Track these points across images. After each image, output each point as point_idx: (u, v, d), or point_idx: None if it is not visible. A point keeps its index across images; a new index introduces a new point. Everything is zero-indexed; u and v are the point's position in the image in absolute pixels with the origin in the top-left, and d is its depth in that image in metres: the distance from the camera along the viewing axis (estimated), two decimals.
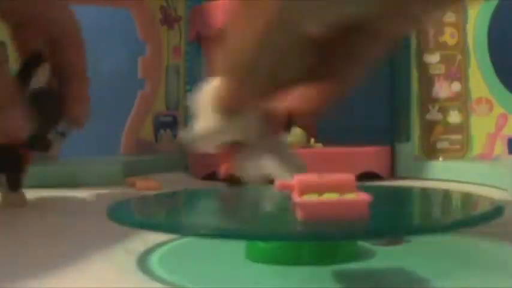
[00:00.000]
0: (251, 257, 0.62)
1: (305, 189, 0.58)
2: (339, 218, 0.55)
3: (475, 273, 0.58)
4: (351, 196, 0.57)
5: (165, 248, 0.69)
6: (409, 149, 1.36)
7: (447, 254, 0.65)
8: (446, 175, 1.28)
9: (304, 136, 1.29)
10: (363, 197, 0.56)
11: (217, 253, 0.66)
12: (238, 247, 0.63)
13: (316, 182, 0.58)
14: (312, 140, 1.29)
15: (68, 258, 0.67)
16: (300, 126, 1.30)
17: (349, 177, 0.59)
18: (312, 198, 0.56)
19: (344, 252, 0.61)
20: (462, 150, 1.33)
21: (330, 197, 0.57)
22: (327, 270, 0.58)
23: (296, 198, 0.56)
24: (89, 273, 0.60)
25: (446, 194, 0.75)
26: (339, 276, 0.58)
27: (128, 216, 0.63)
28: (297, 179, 0.59)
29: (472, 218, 0.58)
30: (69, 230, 0.83)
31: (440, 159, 1.34)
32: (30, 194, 1.13)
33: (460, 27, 1.34)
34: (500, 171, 1.16)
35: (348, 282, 0.56)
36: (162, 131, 1.53)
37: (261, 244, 0.61)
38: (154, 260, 0.64)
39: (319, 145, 1.29)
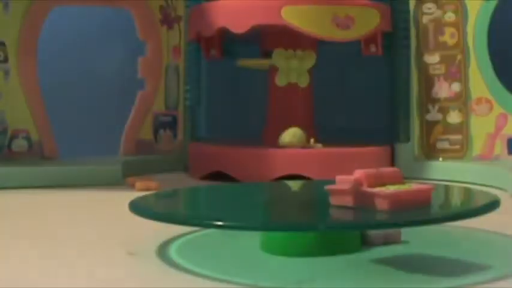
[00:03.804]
0: (266, 249, 0.64)
1: (372, 182, 0.62)
2: (415, 205, 0.60)
3: (476, 272, 0.58)
4: (413, 186, 0.62)
5: (183, 239, 0.71)
6: (409, 149, 1.36)
7: (448, 253, 0.65)
8: (446, 175, 1.28)
9: (304, 136, 1.29)
10: (428, 186, 0.63)
11: (235, 244, 0.68)
12: (253, 239, 0.66)
13: (379, 175, 0.63)
14: (312, 140, 1.29)
15: (68, 258, 0.67)
16: (299, 127, 1.30)
17: (396, 170, 0.64)
18: (390, 189, 0.60)
19: (353, 242, 0.64)
20: (462, 151, 1.33)
21: (401, 187, 0.61)
22: (336, 261, 0.61)
23: (371, 189, 0.60)
24: (90, 272, 0.60)
25: (447, 189, 0.77)
26: (350, 267, 0.59)
27: (153, 210, 0.66)
28: (361, 173, 0.62)
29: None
30: (71, 229, 0.83)
31: (440, 159, 1.34)
32: (31, 194, 1.13)
33: (460, 27, 1.34)
34: (500, 172, 1.16)
35: (361, 272, 0.57)
36: (161, 131, 1.53)
37: (275, 236, 0.63)
38: (173, 250, 0.66)
39: (319, 145, 1.29)
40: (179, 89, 1.55)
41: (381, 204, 0.59)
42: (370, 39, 1.35)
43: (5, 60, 1.31)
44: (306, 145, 1.29)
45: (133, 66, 1.51)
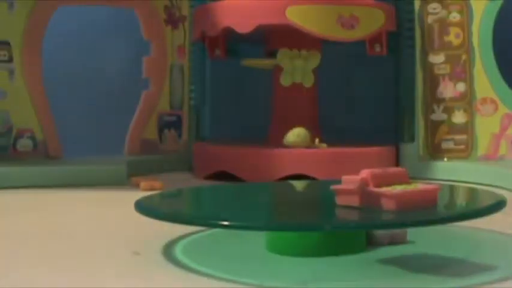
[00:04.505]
0: (271, 249, 0.64)
1: (378, 182, 0.62)
2: (422, 205, 0.60)
3: (479, 273, 0.58)
4: (419, 186, 0.62)
5: (188, 239, 0.71)
6: (414, 149, 1.35)
7: (454, 254, 0.65)
8: (451, 175, 1.27)
9: (308, 136, 1.29)
10: (434, 186, 0.63)
11: (240, 244, 0.69)
12: (259, 239, 0.66)
13: (386, 174, 0.63)
14: (317, 140, 1.29)
15: (73, 257, 0.67)
16: (304, 127, 1.30)
17: (402, 170, 0.65)
18: (396, 189, 0.60)
19: (359, 243, 0.64)
20: (467, 151, 1.33)
21: (407, 187, 0.62)
22: (342, 261, 0.61)
23: (378, 189, 0.60)
24: (95, 272, 0.60)
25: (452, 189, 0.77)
26: (356, 267, 0.59)
27: (158, 210, 0.67)
28: (367, 173, 0.62)
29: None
30: (76, 229, 0.83)
31: (445, 159, 1.34)
32: (35, 193, 1.13)
33: (465, 27, 1.34)
34: (505, 172, 1.16)
35: (368, 271, 0.57)
36: (166, 131, 1.53)
37: (281, 235, 0.64)
38: (178, 250, 0.67)
39: (324, 145, 1.29)
40: (184, 88, 1.55)
41: (388, 204, 0.59)
42: (375, 39, 1.35)
43: (10, 59, 1.31)
44: (310, 145, 1.28)
45: (138, 66, 1.51)
